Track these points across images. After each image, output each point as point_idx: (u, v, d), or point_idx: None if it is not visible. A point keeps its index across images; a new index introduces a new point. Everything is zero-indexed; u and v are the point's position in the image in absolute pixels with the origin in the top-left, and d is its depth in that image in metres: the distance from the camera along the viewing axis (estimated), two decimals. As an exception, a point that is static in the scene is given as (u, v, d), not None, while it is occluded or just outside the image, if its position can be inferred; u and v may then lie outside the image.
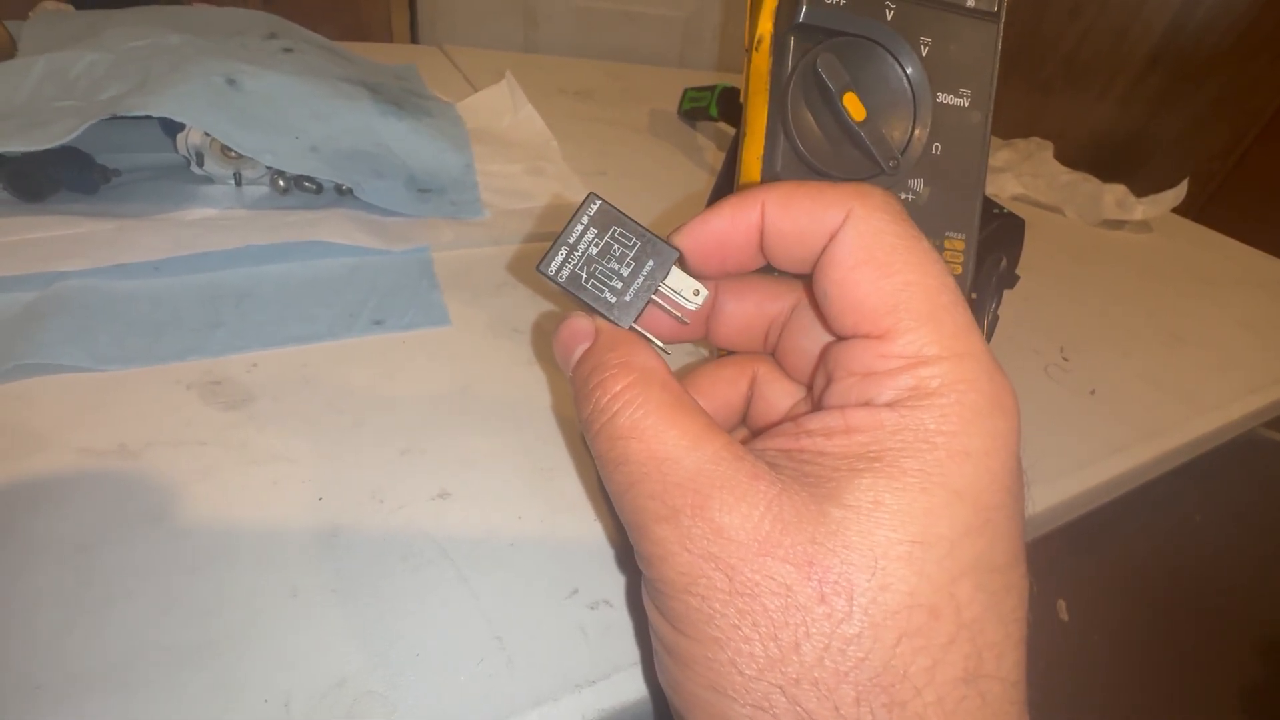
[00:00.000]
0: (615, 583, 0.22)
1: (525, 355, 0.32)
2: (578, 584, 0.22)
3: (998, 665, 0.14)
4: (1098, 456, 0.35)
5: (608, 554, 0.23)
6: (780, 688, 0.13)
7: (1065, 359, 0.42)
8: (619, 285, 0.18)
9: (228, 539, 0.21)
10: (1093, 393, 0.39)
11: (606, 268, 0.18)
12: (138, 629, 0.19)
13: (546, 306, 0.35)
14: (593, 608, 0.21)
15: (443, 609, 0.21)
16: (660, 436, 0.15)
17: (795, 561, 0.14)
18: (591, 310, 0.18)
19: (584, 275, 0.18)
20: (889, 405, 0.15)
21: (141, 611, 0.19)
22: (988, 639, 0.14)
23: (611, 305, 0.18)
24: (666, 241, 0.18)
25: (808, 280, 0.19)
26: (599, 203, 0.18)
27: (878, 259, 0.16)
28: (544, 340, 0.33)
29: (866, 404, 0.15)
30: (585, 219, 0.18)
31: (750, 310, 0.21)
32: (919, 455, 0.14)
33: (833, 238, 0.16)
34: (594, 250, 0.18)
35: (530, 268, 0.38)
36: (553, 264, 0.18)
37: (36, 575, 0.20)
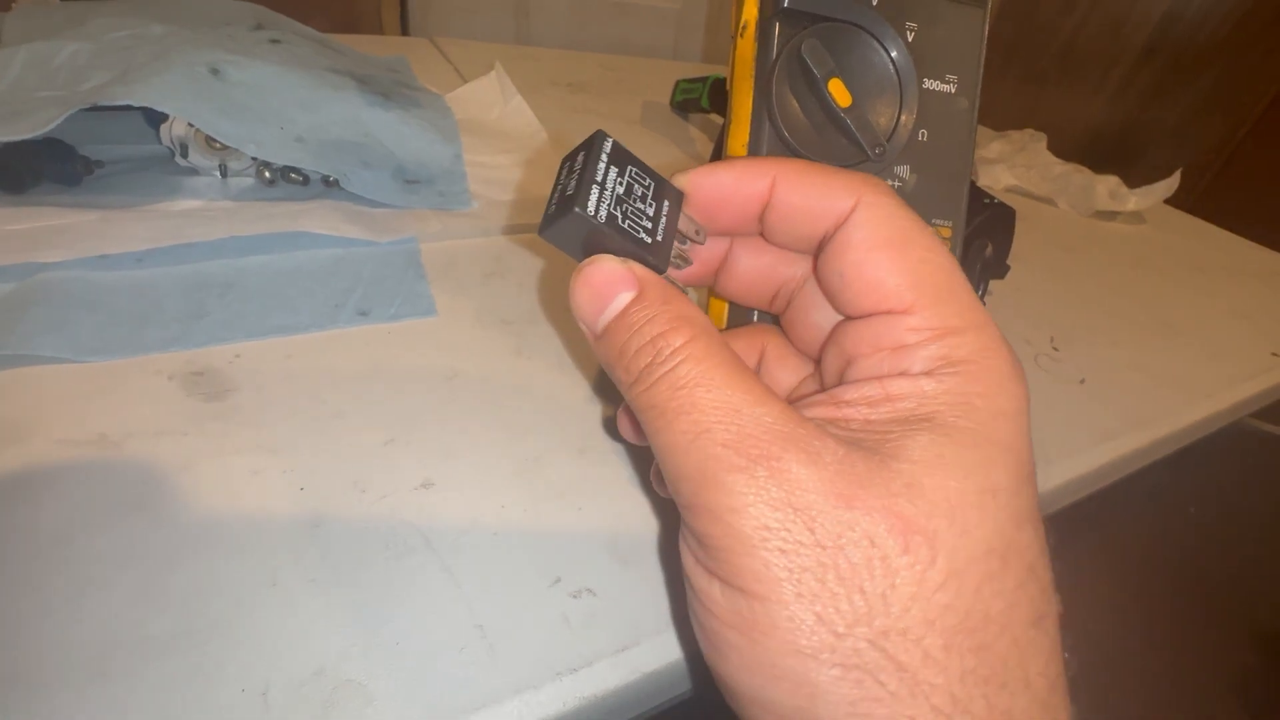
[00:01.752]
0: (598, 571, 0.22)
1: (512, 346, 0.32)
2: (561, 572, 0.22)
3: (1053, 604, 0.15)
4: (1087, 445, 0.35)
5: (591, 543, 0.23)
6: (870, 641, 0.13)
7: (1056, 349, 0.42)
8: (649, 225, 0.17)
9: (208, 530, 0.21)
10: (1083, 382, 0.39)
11: (635, 207, 0.17)
12: (115, 619, 0.19)
13: (536, 298, 0.35)
14: (575, 596, 0.21)
15: (424, 598, 0.20)
16: (729, 388, 0.15)
17: (877, 512, 0.14)
18: (626, 254, 0.17)
19: (620, 216, 0.17)
20: (925, 374, 0.15)
21: (119, 602, 0.19)
22: (1045, 581, 0.15)
23: (648, 247, 0.17)
24: (671, 183, 0.18)
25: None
26: (611, 140, 0.17)
27: (894, 241, 0.16)
28: (520, 334, 0.33)
29: (901, 374, 0.16)
30: (604, 156, 0.17)
31: (763, 268, 0.21)
32: (966, 415, 0.15)
33: (842, 222, 0.17)
34: (620, 189, 0.17)
35: (520, 255, 0.38)
36: (589, 203, 0.16)
37: (14, 565, 0.19)
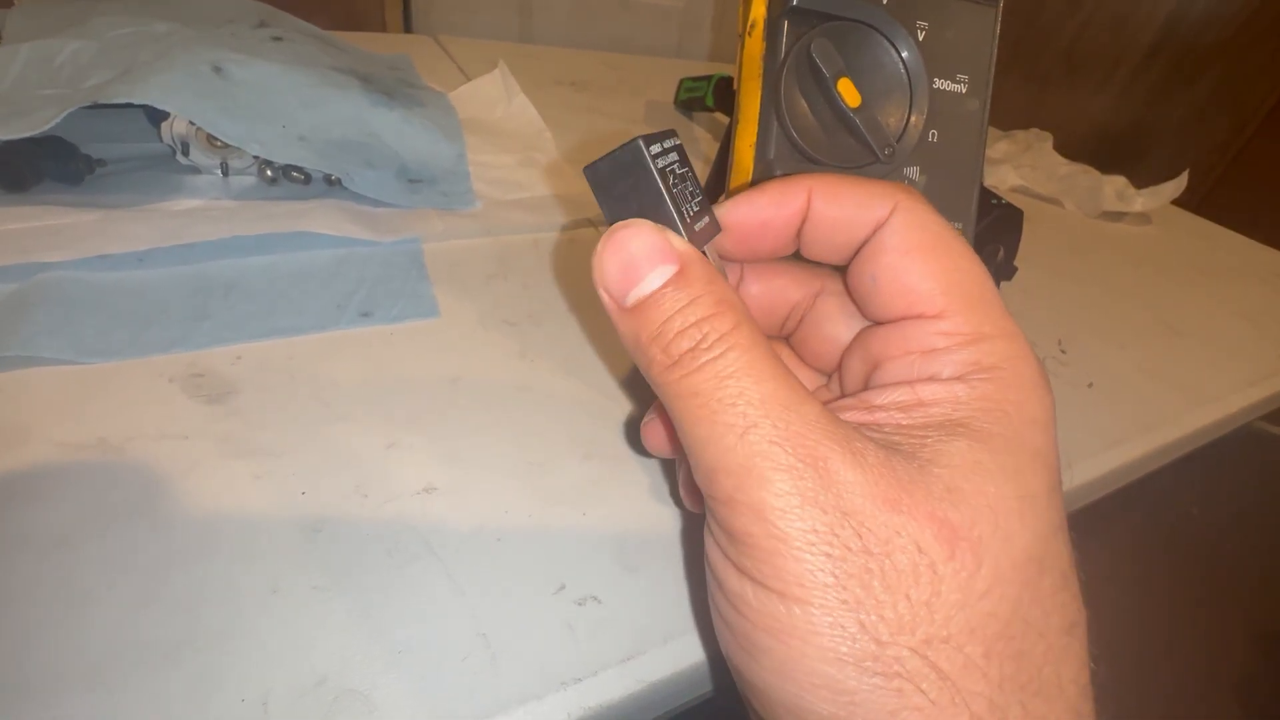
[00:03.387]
0: (604, 578, 0.22)
1: (515, 348, 0.31)
2: (565, 579, 0.22)
3: (1083, 612, 0.15)
4: (1095, 450, 0.35)
5: (596, 549, 0.23)
6: (913, 649, 0.13)
7: (1063, 351, 0.42)
8: (694, 210, 0.16)
9: (209, 534, 0.21)
10: (1090, 385, 0.39)
11: (684, 191, 0.16)
12: (116, 625, 0.18)
13: (539, 300, 0.35)
14: (580, 603, 0.21)
15: (427, 605, 0.20)
16: (776, 380, 0.14)
17: (922, 517, 0.13)
18: (665, 221, 0.16)
19: (671, 179, 0.15)
20: (957, 378, 0.15)
21: (120, 608, 0.19)
22: (1076, 589, 0.15)
23: (686, 225, 0.15)
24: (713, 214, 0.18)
25: (838, 269, 0.20)
26: (678, 141, 0.17)
27: (927, 246, 0.17)
28: (524, 336, 0.32)
29: (931, 379, 0.16)
30: (669, 142, 0.16)
31: (774, 294, 0.21)
32: (999, 422, 0.15)
33: (878, 228, 0.17)
34: (676, 170, 0.16)
35: (524, 256, 0.38)
36: (653, 147, 0.15)
37: (13, 570, 0.19)
